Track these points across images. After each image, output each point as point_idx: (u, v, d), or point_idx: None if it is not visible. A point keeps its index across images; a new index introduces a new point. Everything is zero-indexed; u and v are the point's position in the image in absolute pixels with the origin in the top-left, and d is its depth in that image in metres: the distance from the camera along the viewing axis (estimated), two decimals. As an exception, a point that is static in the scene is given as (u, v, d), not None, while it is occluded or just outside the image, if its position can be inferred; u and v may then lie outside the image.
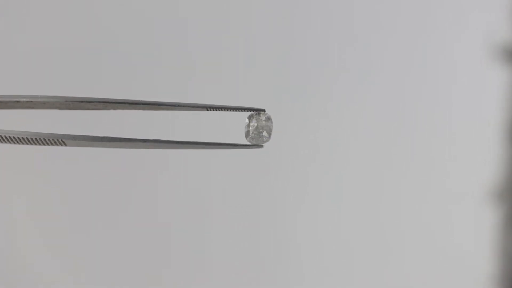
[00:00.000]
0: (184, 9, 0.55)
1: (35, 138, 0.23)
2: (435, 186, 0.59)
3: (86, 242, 0.55)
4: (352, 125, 0.58)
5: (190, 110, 0.25)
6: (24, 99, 0.23)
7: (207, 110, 0.25)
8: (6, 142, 0.23)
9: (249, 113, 0.26)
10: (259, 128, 0.25)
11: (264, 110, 0.26)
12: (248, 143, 0.26)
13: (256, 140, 0.25)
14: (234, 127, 0.31)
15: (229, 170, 0.57)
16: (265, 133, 0.25)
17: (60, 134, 0.23)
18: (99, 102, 0.24)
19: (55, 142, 0.23)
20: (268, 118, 0.25)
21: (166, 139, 0.25)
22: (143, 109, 0.25)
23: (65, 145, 0.23)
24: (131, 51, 0.54)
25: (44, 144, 0.23)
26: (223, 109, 0.25)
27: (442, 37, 0.59)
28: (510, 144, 0.59)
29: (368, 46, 0.58)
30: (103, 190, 0.55)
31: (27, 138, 0.23)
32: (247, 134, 0.25)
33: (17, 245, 0.54)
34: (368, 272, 0.59)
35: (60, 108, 0.25)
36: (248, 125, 0.25)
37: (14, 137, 0.23)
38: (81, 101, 0.24)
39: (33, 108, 0.24)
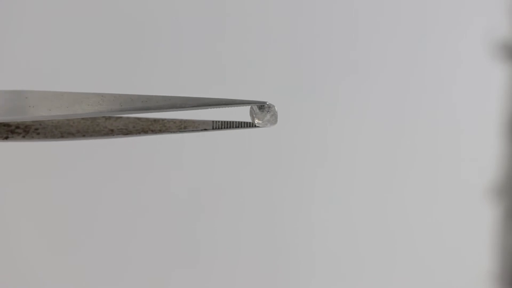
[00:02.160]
0: (189, 8, 0.55)
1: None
2: (435, 183, 0.59)
3: (86, 242, 0.55)
4: (357, 122, 0.58)
5: (187, 110, 0.25)
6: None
7: (204, 108, 0.25)
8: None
9: (250, 108, 0.25)
10: (265, 122, 0.25)
11: (265, 103, 0.25)
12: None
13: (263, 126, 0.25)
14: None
15: (232, 169, 0.56)
16: (271, 122, 0.25)
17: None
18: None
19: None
20: (273, 114, 0.25)
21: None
22: (139, 113, 0.25)
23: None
24: (132, 47, 0.54)
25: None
26: (222, 106, 0.25)
27: (443, 35, 0.59)
28: (510, 141, 0.60)
29: (371, 45, 0.58)
30: (104, 189, 0.55)
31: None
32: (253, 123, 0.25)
33: (17, 245, 0.54)
34: (367, 269, 0.59)
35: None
36: (254, 123, 0.25)
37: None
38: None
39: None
